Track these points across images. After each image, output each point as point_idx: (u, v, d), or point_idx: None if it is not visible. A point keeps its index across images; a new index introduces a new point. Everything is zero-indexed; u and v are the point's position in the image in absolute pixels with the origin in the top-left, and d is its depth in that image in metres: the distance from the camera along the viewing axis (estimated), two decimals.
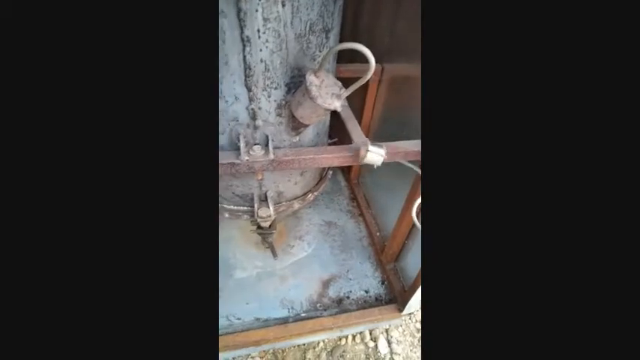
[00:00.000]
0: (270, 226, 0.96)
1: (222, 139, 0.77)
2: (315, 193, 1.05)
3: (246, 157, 0.73)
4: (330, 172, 1.12)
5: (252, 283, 1.28)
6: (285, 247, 1.41)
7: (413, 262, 1.21)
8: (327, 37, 0.70)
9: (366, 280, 1.32)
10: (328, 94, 0.63)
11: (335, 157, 0.79)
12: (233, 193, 0.92)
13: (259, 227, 0.96)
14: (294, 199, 0.99)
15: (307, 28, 0.64)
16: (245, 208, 0.95)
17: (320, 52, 0.71)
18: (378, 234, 1.44)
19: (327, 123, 0.96)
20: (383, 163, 0.75)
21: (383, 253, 1.34)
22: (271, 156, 0.74)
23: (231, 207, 0.95)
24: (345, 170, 1.77)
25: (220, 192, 0.93)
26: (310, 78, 0.62)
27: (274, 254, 1.12)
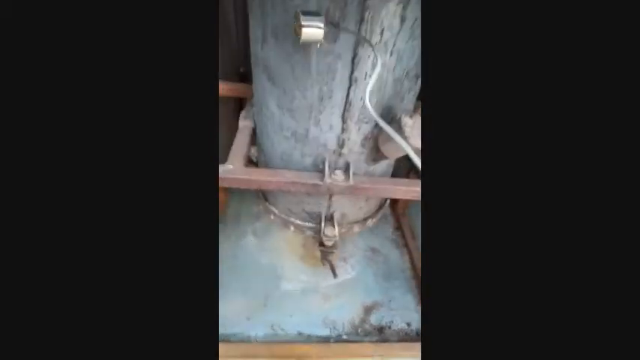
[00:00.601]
0: (332, 245, 1.01)
1: (308, 161, 0.85)
2: (374, 220, 1.10)
3: (329, 180, 0.80)
4: (388, 202, 1.16)
5: (297, 297, 1.32)
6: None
7: None
8: (416, 82, 0.77)
9: (408, 312, 1.32)
10: (418, 135, 0.69)
11: (410, 190, 0.83)
12: (303, 209, 0.99)
13: (321, 245, 1.02)
14: (356, 222, 1.05)
15: (404, 74, 0.71)
16: (310, 224, 1.01)
17: (408, 94, 0.78)
18: None
19: None
20: None
21: None
22: (351, 182, 0.81)
23: (298, 222, 1.02)
24: (393, 199, 1.80)
25: (291, 207, 1.01)
26: (405, 119, 0.68)
27: (334, 273, 1.17)
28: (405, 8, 0.59)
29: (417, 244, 1.55)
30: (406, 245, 1.57)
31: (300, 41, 0.57)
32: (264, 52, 0.73)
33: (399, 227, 1.67)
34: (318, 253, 1.15)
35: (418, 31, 0.64)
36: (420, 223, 1.66)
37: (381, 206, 1.12)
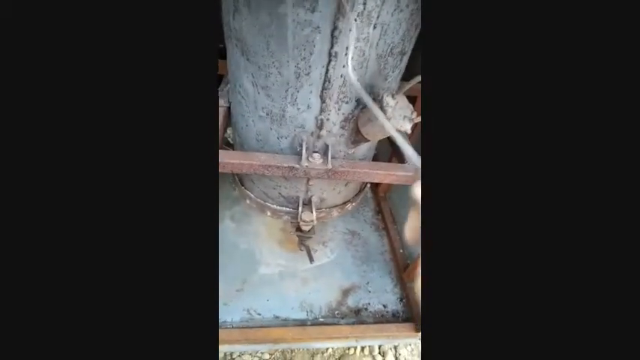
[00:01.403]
0: (309, 230, 0.99)
1: (285, 143, 0.80)
2: (354, 204, 1.08)
3: (306, 164, 0.76)
4: (369, 186, 1.14)
5: (275, 281, 1.30)
6: None
7: None
8: (401, 60, 0.73)
9: (385, 294, 1.33)
10: (401, 116, 0.66)
11: (388, 174, 0.81)
12: (279, 193, 0.95)
13: (298, 230, 0.99)
14: (334, 207, 1.02)
15: (388, 50, 0.66)
16: (288, 209, 0.98)
17: (392, 72, 0.73)
18: (401, 251, 1.45)
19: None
20: None
21: (405, 272, 1.35)
22: (329, 165, 0.77)
23: (275, 206, 0.98)
24: (373, 183, 1.79)
25: (267, 191, 0.96)
26: (387, 99, 0.64)
27: (311, 258, 1.15)
28: None
29: (396, 228, 1.55)
30: (386, 228, 1.58)
31: None
32: (237, 23, 0.66)
33: (379, 211, 1.67)
34: (297, 238, 1.13)
35: (404, 2, 0.59)
36: (400, 207, 1.67)
37: (360, 190, 1.09)
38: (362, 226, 1.59)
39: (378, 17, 0.59)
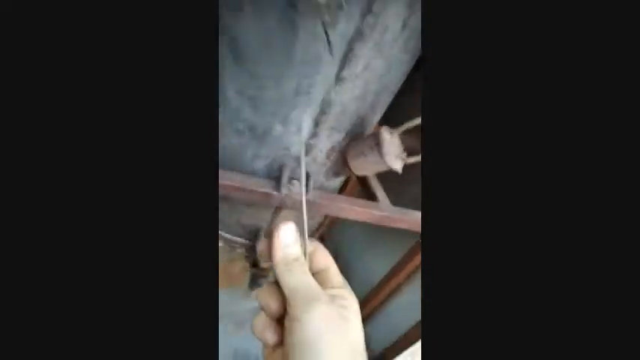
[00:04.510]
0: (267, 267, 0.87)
1: (259, 164, 0.70)
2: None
3: (285, 191, 0.68)
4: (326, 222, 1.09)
5: None
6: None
7: None
8: (390, 99, 0.74)
9: None
10: (394, 154, 0.64)
11: (363, 211, 0.78)
12: (238, 221, 0.82)
13: (254, 266, 0.86)
14: None
15: (385, 86, 0.66)
16: (243, 240, 0.85)
17: (382, 110, 0.73)
18: None
19: None
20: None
21: None
22: (309, 196, 0.70)
23: (229, 236, 0.84)
24: None
25: (223, 217, 0.83)
26: (385, 135, 0.63)
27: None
28: (408, 16, 0.55)
29: None
30: None
31: None
32: (236, 20, 0.58)
33: None
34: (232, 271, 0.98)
35: (410, 45, 0.60)
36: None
37: (319, 228, 1.03)
38: None
39: (390, 51, 0.59)
